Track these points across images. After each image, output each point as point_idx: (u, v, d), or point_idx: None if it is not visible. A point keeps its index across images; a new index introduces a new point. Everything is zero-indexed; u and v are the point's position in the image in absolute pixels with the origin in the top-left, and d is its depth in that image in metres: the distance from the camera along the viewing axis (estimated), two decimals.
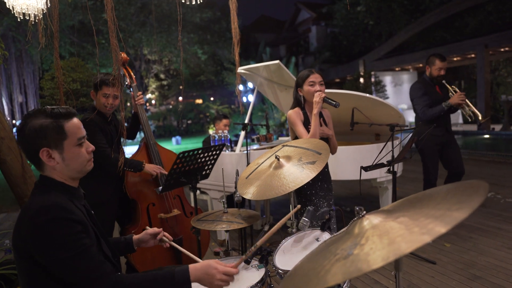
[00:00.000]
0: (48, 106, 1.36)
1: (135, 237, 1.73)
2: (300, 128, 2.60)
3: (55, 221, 1.22)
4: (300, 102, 2.69)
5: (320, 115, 2.70)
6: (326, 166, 2.75)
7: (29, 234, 1.22)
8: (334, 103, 2.51)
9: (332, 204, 2.74)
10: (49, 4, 2.68)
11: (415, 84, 4.06)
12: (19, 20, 2.72)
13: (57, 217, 1.22)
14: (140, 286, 1.29)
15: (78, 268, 1.23)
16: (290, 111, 2.68)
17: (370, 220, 0.96)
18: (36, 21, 2.76)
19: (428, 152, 3.96)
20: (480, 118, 3.66)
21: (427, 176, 4.05)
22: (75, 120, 1.38)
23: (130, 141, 3.23)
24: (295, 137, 2.67)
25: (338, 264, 0.82)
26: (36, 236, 1.20)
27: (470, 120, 3.78)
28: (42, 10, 2.74)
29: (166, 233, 1.76)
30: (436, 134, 3.83)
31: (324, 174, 2.70)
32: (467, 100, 3.71)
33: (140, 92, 2.99)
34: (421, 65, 16.09)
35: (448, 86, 3.88)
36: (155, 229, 1.73)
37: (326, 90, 2.77)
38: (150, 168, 2.78)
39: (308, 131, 2.58)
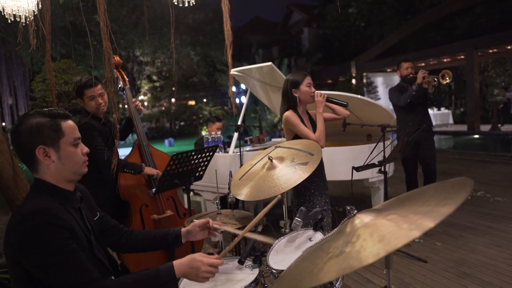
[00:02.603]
0: (46, 109, 1.36)
1: (183, 229, 1.70)
2: (303, 128, 2.63)
3: (40, 227, 1.20)
4: (295, 103, 2.72)
5: (309, 115, 2.83)
6: (322, 166, 2.80)
7: (15, 240, 1.21)
8: (345, 103, 2.71)
9: (327, 204, 2.79)
10: (40, 6, 2.67)
11: (391, 88, 4.46)
12: (9, 21, 2.70)
13: (42, 223, 1.21)
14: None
15: (62, 275, 1.21)
16: (287, 112, 2.69)
17: (361, 219, 0.98)
18: (27, 22, 2.75)
19: (405, 148, 4.15)
20: (441, 80, 3.91)
21: (406, 169, 4.35)
22: (71, 121, 1.40)
23: (122, 142, 3.23)
24: (294, 138, 2.69)
25: (331, 262, 0.84)
26: (22, 241, 1.20)
27: (435, 83, 4.00)
28: (33, 11, 2.73)
29: (216, 222, 1.73)
30: (409, 131, 3.93)
31: (320, 174, 2.75)
32: (429, 76, 3.97)
33: (134, 99, 3.01)
34: None
35: (416, 76, 4.08)
36: (203, 221, 1.69)
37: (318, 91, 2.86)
38: (149, 170, 2.79)
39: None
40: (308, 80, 2.70)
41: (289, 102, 2.73)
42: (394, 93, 4.28)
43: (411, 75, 4.18)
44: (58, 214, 1.26)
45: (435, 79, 3.94)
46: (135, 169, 2.74)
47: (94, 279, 1.25)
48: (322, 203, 2.70)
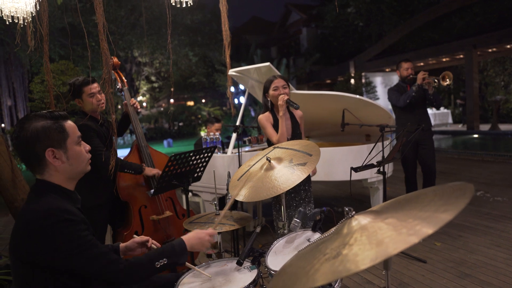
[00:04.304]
0: (44, 111, 1.38)
1: (122, 245, 1.75)
2: (269, 130, 2.79)
3: (61, 222, 1.24)
4: (267, 107, 2.88)
5: (292, 115, 2.88)
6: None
7: (36, 239, 1.22)
8: (295, 105, 2.69)
9: (310, 202, 2.83)
10: (38, 7, 2.66)
11: (390, 88, 4.41)
12: (7, 23, 2.69)
13: (63, 219, 1.25)
14: (148, 261, 1.42)
15: (93, 259, 1.29)
16: (260, 115, 2.86)
17: (359, 221, 0.97)
18: (25, 24, 2.74)
19: (404, 148, 4.13)
20: (442, 82, 3.92)
21: (405, 169, 4.33)
22: (71, 121, 1.43)
23: (120, 141, 3.23)
24: (267, 139, 2.88)
25: (327, 264, 0.84)
26: (46, 239, 1.22)
27: (435, 84, 4.00)
28: (31, 13, 2.72)
29: (154, 241, 1.78)
30: (409, 131, 3.92)
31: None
32: (429, 77, 3.98)
33: (133, 99, 3.01)
34: None
35: (416, 77, 4.08)
36: (143, 238, 1.76)
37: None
38: (150, 170, 2.80)
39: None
40: (275, 83, 2.76)
41: (264, 105, 2.90)
42: (394, 93, 4.27)
43: (411, 76, 4.15)
44: (72, 210, 1.31)
45: (436, 80, 3.93)
46: (136, 170, 2.74)
47: (117, 258, 1.35)
48: (297, 201, 2.83)
